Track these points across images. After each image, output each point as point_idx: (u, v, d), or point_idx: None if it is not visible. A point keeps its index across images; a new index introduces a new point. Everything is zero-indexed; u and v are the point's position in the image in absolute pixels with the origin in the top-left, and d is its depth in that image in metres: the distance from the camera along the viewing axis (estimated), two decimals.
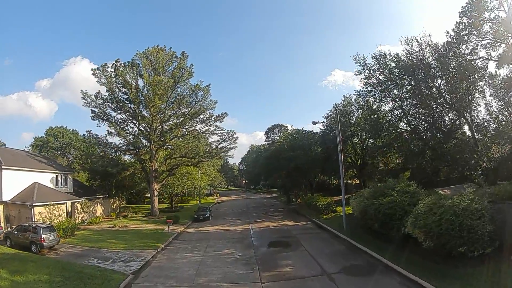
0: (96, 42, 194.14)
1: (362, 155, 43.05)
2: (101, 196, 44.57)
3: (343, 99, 43.44)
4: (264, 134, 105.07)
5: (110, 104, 40.41)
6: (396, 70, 28.71)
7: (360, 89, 34.47)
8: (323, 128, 49.06)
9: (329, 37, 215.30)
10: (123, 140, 40.14)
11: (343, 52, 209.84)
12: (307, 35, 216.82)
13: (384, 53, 31.76)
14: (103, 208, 41.58)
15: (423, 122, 31.66)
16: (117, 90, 39.63)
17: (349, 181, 56.75)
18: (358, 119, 41.33)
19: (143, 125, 39.10)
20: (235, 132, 42.15)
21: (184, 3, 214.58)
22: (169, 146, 39.08)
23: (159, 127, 38.78)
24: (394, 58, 28.27)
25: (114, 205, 45.32)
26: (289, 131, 48.43)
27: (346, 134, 43.42)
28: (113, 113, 40.83)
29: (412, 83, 27.84)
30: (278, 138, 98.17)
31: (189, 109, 37.68)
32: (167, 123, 39.89)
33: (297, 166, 40.83)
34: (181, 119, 38.22)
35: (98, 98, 40.35)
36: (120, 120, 40.83)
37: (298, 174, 43.21)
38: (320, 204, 34.43)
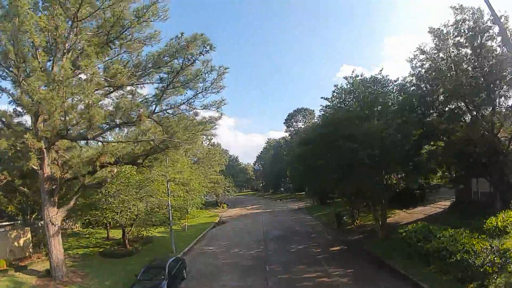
0: None
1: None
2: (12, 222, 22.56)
3: None
4: (284, 123, 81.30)
5: None
6: None
7: None
8: (415, 82, 24.68)
9: (332, 31, 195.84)
10: None
11: (348, 47, 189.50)
12: (309, 30, 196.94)
13: None
14: None
15: None
16: None
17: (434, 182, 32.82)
18: None
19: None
20: (225, 69, 16.38)
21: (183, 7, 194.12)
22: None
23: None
24: None
25: (23, 240, 22.66)
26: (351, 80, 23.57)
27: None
28: None
29: None
30: (302, 126, 74.44)
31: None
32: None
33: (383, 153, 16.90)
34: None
35: None
36: None
37: (370, 171, 19.46)
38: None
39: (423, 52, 22.89)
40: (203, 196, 47.08)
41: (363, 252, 20.93)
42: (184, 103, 16.97)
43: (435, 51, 22.36)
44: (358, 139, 17.01)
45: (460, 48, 21.29)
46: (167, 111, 17.49)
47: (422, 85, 22.63)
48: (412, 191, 32.84)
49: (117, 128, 18.12)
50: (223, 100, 17.11)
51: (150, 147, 18.69)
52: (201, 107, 17.24)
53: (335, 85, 24.39)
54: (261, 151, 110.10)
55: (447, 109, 21.48)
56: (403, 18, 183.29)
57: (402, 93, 23.84)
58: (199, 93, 16.68)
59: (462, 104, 21.41)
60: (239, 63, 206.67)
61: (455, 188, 29.07)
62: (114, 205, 23.09)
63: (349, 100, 22.93)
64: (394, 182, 23.38)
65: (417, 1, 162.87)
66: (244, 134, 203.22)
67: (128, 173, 26.29)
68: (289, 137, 79.20)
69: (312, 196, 51.86)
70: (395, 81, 24.44)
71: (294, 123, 77.53)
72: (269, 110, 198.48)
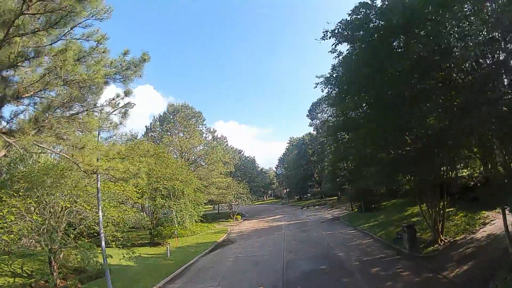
0: None
1: None
2: None
3: None
4: (307, 116, 68.39)
5: None
6: None
7: None
8: None
9: None
10: None
11: None
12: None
13: None
14: None
15: None
16: None
17: None
18: None
19: None
20: None
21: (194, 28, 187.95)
22: None
23: None
24: None
25: None
26: None
27: None
28: None
29: None
30: (330, 118, 61.39)
31: None
32: None
33: None
34: None
35: None
36: None
37: None
38: None
39: None
40: (202, 205, 35.25)
41: None
42: None
43: None
44: None
45: None
46: None
47: None
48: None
49: None
50: None
51: None
52: None
53: None
54: (283, 153, 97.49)
55: None
56: None
57: None
58: None
59: None
60: (256, 71, 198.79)
61: None
62: None
63: None
64: None
65: None
66: (265, 142, 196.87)
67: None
68: (315, 131, 66.46)
69: (351, 200, 38.90)
70: None
71: (319, 114, 64.58)
72: (288, 117, 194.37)
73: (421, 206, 19.32)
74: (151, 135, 45.45)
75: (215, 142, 48.55)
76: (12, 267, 18.47)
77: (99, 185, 13.93)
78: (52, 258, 16.22)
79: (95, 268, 16.14)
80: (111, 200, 16.00)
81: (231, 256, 22.13)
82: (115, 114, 12.74)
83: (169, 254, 23.36)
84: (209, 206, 61.84)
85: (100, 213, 13.94)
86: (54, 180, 13.74)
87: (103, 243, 14.03)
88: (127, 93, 13.38)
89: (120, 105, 13.76)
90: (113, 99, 13.03)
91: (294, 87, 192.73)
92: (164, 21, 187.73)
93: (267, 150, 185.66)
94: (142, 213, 21.73)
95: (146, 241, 29.98)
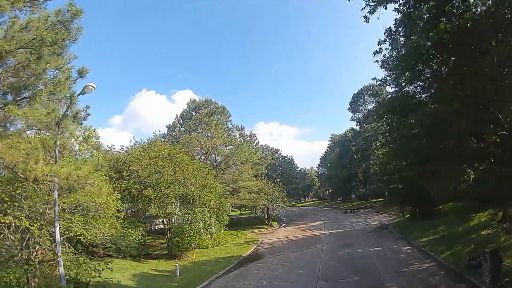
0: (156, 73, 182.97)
1: None
2: None
3: None
4: (348, 109, 61.95)
5: None
6: None
7: None
8: None
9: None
10: None
11: None
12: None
13: None
14: None
15: None
16: None
17: None
18: None
19: None
20: None
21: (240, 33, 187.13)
22: None
23: None
24: None
25: None
26: None
27: None
28: None
29: None
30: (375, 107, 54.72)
31: None
32: None
33: None
34: None
35: None
36: None
37: None
38: None
39: None
40: (226, 213, 31.41)
41: None
42: None
43: None
44: None
45: None
46: None
47: None
48: None
49: None
50: None
51: None
52: None
53: None
54: (325, 152, 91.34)
55: None
56: None
57: None
58: None
59: None
60: (295, 70, 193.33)
61: None
62: None
63: None
64: None
65: None
66: (307, 142, 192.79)
67: None
68: (357, 125, 60.05)
69: (402, 203, 32.93)
70: None
71: (361, 107, 58.01)
72: (329, 115, 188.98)
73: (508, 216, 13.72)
74: (173, 134, 42.81)
75: (241, 140, 44.11)
76: (10, 277, 15.91)
77: (55, 196, 10.54)
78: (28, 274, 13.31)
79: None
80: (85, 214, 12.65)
81: (250, 282, 17.83)
82: (56, 101, 9.21)
83: (178, 274, 19.72)
84: (247, 210, 58.40)
85: (57, 230, 10.52)
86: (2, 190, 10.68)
87: (61, 269, 10.60)
88: (81, 73, 9.77)
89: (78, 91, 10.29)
90: (58, 82, 9.47)
91: (334, 83, 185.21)
92: (202, 24, 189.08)
93: (308, 150, 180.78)
94: (128, 229, 18.23)
95: (165, 252, 26.96)
